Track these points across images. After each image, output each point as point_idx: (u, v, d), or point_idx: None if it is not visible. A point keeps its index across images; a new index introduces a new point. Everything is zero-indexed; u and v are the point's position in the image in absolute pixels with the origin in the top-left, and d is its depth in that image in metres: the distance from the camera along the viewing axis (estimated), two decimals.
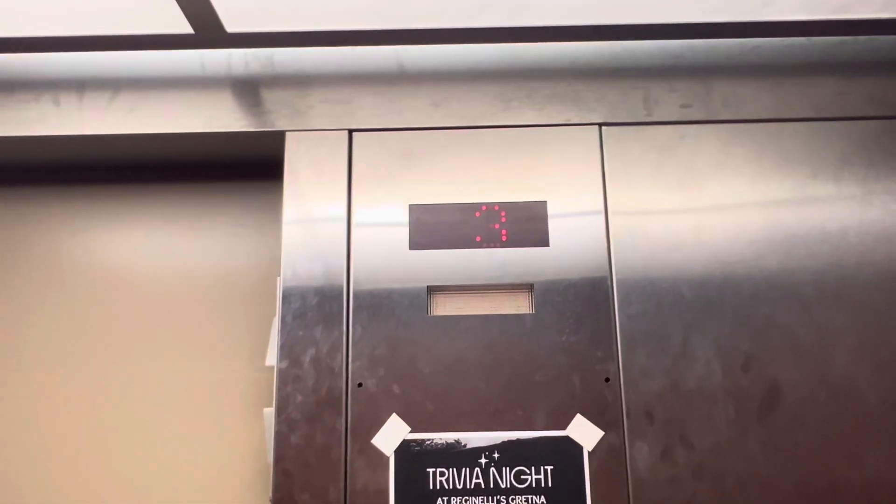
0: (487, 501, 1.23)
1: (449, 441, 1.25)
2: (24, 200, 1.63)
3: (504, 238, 1.35)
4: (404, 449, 1.25)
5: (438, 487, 1.23)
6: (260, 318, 1.52)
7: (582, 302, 1.32)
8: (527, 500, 1.23)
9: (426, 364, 1.29)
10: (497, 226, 1.36)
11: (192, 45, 1.44)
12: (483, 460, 1.24)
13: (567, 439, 1.25)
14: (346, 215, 1.37)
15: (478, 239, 1.35)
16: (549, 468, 1.24)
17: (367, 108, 1.43)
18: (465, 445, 1.25)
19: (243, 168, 1.60)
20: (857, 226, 1.36)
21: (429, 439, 1.26)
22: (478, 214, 1.37)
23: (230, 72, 1.47)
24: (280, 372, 1.29)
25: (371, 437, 1.26)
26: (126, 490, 1.47)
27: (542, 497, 1.23)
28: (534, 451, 1.24)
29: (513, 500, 1.23)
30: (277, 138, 1.43)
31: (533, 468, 1.24)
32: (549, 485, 1.23)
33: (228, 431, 1.49)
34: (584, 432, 1.25)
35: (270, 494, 1.24)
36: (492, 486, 1.23)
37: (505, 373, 1.29)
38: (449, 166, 1.40)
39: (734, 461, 1.24)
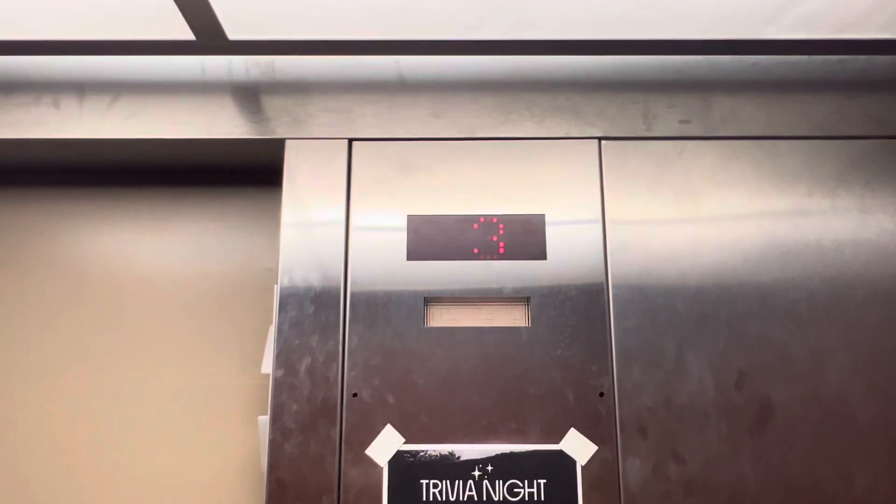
0: None
1: (443, 453, 1.26)
2: (22, 203, 1.63)
3: (501, 250, 1.36)
4: (398, 460, 1.26)
5: (432, 499, 1.24)
6: (256, 326, 1.52)
7: (578, 316, 1.32)
8: None
9: (421, 375, 1.29)
10: (495, 238, 1.36)
11: (193, 51, 1.44)
12: (476, 473, 1.25)
13: (560, 453, 1.26)
14: (344, 224, 1.37)
15: (475, 251, 1.36)
16: (542, 482, 1.24)
17: (367, 118, 1.44)
18: (458, 458, 1.26)
19: (242, 175, 1.60)
20: (852, 244, 1.37)
21: (423, 451, 1.26)
22: (476, 226, 1.37)
23: (231, 78, 1.47)
24: (275, 380, 1.30)
25: (365, 448, 1.26)
26: (120, 495, 1.47)
27: None
28: (527, 465, 1.25)
29: None
30: (277, 146, 1.43)
31: (526, 482, 1.25)
32: (542, 499, 1.24)
33: (223, 438, 1.49)
34: (578, 446, 1.26)
35: (263, 503, 1.24)
36: (485, 498, 1.24)
37: (500, 385, 1.29)
38: (448, 177, 1.40)
39: (726, 477, 1.25)
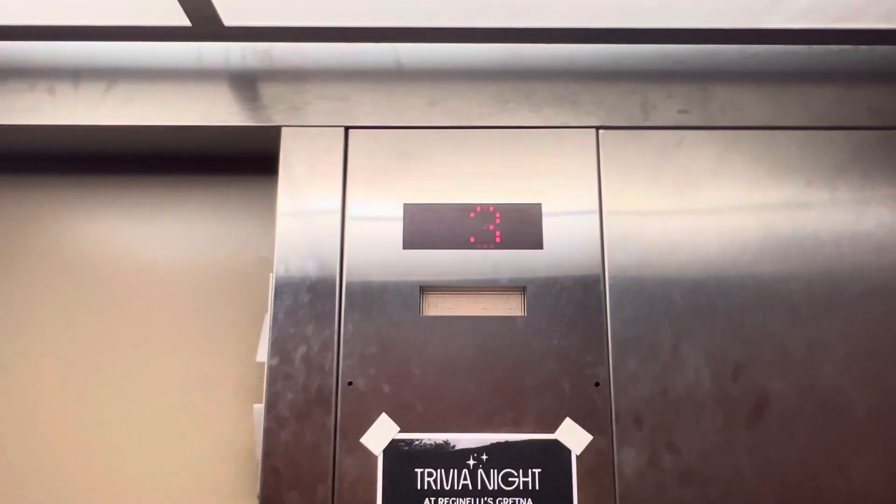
0: (475, 503, 1.23)
1: (438, 442, 1.26)
2: (16, 190, 1.62)
3: (498, 240, 1.35)
4: (393, 449, 1.25)
5: (426, 488, 1.24)
6: (252, 314, 1.52)
7: (574, 305, 1.32)
8: (514, 503, 1.23)
9: (417, 364, 1.29)
10: (491, 227, 1.36)
11: (189, 37, 1.43)
12: (471, 462, 1.25)
13: (556, 443, 1.26)
14: (340, 213, 1.37)
15: (472, 240, 1.35)
16: (537, 471, 1.24)
17: (364, 106, 1.43)
18: (453, 446, 1.25)
19: (238, 162, 1.59)
20: (850, 236, 1.36)
21: (418, 439, 1.26)
22: (472, 215, 1.37)
23: (227, 65, 1.46)
24: (270, 369, 1.29)
25: (360, 436, 1.26)
26: (113, 484, 1.47)
27: (530, 500, 1.23)
28: (522, 454, 1.25)
29: (500, 502, 1.23)
30: (273, 133, 1.42)
31: (521, 471, 1.24)
32: (537, 488, 1.24)
33: (217, 426, 1.49)
34: (573, 436, 1.26)
35: (258, 491, 1.24)
36: (479, 487, 1.24)
37: (495, 375, 1.29)
38: (445, 166, 1.40)
39: (721, 469, 1.25)
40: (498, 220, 1.36)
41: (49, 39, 1.46)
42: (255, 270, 1.55)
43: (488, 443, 1.26)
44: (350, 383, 1.28)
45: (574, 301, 1.32)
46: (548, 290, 1.32)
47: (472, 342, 1.30)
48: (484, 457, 1.25)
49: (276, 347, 1.30)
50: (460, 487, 1.24)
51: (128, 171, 1.62)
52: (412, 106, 1.43)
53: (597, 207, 1.37)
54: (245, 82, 1.45)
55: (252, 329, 1.50)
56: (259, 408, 1.30)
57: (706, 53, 1.46)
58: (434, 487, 1.24)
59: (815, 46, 1.46)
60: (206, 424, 1.49)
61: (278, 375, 1.29)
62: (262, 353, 1.34)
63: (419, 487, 1.24)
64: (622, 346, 1.30)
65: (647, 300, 1.32)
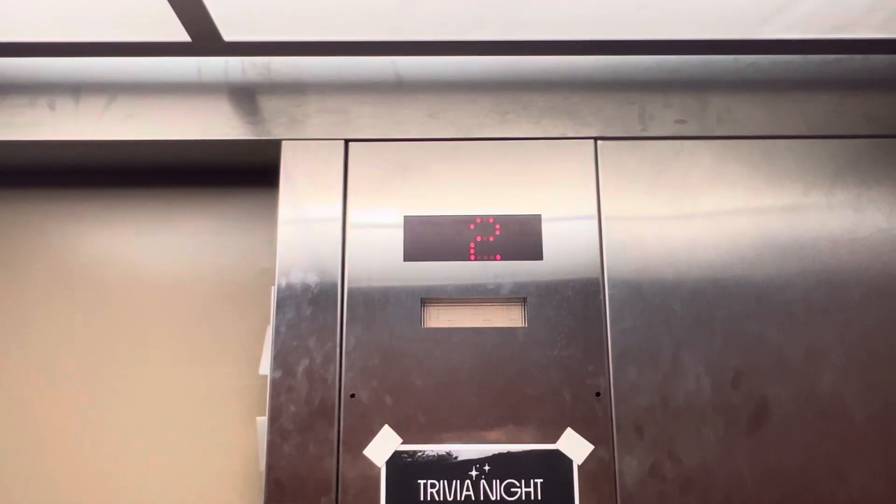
0: None
1: (440, 453, 1.26)
2: (19, 204, 1.63)
3: (498, 251, 1.36)
4: (396, 460, 1.26)
5: (429, 499, 1.24)
6: (254, 326, 1.53)
7: (574, 316, 1.32)
8: None
9: (419, 376, 1.30)
10: (491, 238, 1.37)
11: (188, 52, 1.44)
12: (474, 473, 1.26)
13: (557, 453, 1.26)
14: (341, 225, 1.37)
15: (472, 251, 1.36)
16: (538, 481, 1.25)
17: (364, 119, 1.44)
18: (456, 458, 1.26)
19: (239, 175, 1.60)
20: (847, 243, 1.37)
21: (420, 451, 1.27)
22: (472, 227, 1.37)
23: (227, 79, 1.47)
24: (273, 382, 1.30)
25: (363, 448, 1.27)
26: (118, 496, 1.48)
27: None
28: (524, 465, 1.26)
29: None
30: (274, 147, 1.43)
31: (523, 481, 1.25)
32: (539, 498, 1.24)
33: (221, 439, 1.50)
34: (575, 446, 1.27)
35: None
36: (482, 498, 1.25)
37: (497, 386, 1.30)
38: (444, 178, 1.40)
39: (721, 477, 1.26)
40: (498, 232, 1.37)
41: (50, 56, 1.46)
42: (256, 282, 1.56)
43: (490, 454, 1.26)
44: (352, 395, 1.29)
45: (574, 311, 1.33)
46: (548, 301, 1.33)
47: (473, 353, 1.31)
48: (486, 468, 1.26)
49: (279, 360, 1.31)
50: (463, 498, 1.25)
51: (129, 185, 1.62)
52: (412, 118, 1.44)
53: (596, 218, 1.37)
54: (245, 96, 1.46)
55: (255, 341, 1.51)
56: (262, 420, 1.31)
57: (703, 64, 1.47)
58: (437, 499, 1.25)
59: (811, 56, 1.47)
60: (209, 437, 1.50)
61: (281, 388, 1.30)
62: (265, 366, 1.35)
63: (422, 499, 1.24)
64: (622, 355, 1.31)
65: (647, 309, 1.33)
